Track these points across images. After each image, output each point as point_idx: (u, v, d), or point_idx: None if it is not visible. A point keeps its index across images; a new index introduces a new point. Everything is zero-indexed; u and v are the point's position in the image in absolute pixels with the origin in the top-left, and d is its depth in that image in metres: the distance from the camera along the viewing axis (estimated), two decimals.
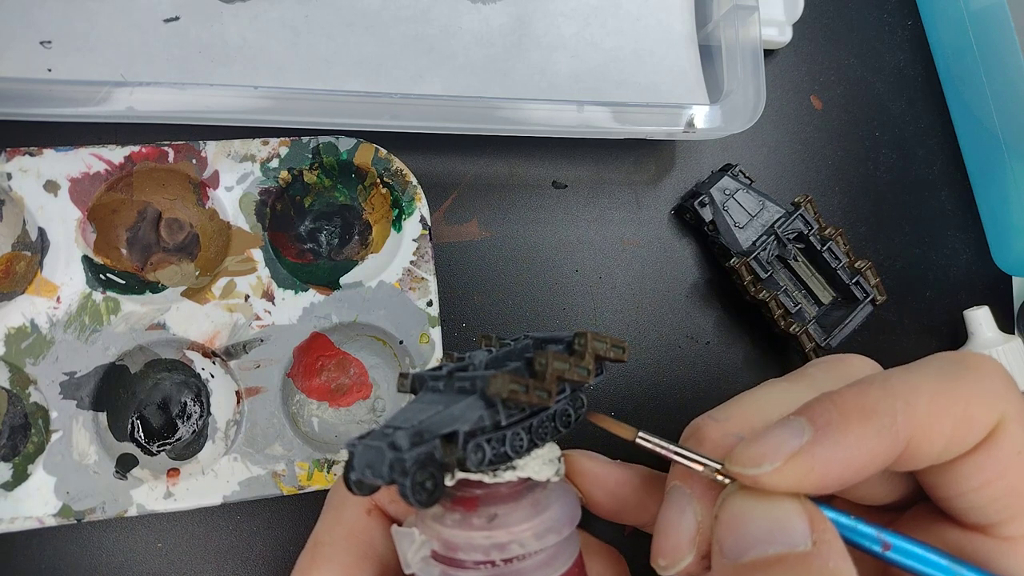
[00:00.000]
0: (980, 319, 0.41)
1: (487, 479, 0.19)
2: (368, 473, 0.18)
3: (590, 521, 0.23)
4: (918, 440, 0.18)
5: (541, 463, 0.20)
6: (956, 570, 0.19)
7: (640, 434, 0.20)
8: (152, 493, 0.31)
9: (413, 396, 0.21)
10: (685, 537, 0.19)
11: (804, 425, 0.18)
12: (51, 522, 0.30)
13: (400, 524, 0.21)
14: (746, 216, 0.38)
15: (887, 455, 0.18)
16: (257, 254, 0.33)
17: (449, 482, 0.19)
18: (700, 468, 0.19)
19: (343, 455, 0.33)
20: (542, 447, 0.20)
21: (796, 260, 0.38)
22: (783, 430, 0.18)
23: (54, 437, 0.31)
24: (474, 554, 0.19)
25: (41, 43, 0.32)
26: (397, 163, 0.34)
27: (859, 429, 0.18)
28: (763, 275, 0.37)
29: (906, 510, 0.22)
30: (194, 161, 0.33)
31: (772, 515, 0.18)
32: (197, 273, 0.34)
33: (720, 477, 0.19)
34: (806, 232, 0.38)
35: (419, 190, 0.35)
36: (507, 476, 0.20)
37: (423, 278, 0.34)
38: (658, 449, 0.20)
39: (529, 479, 0.20)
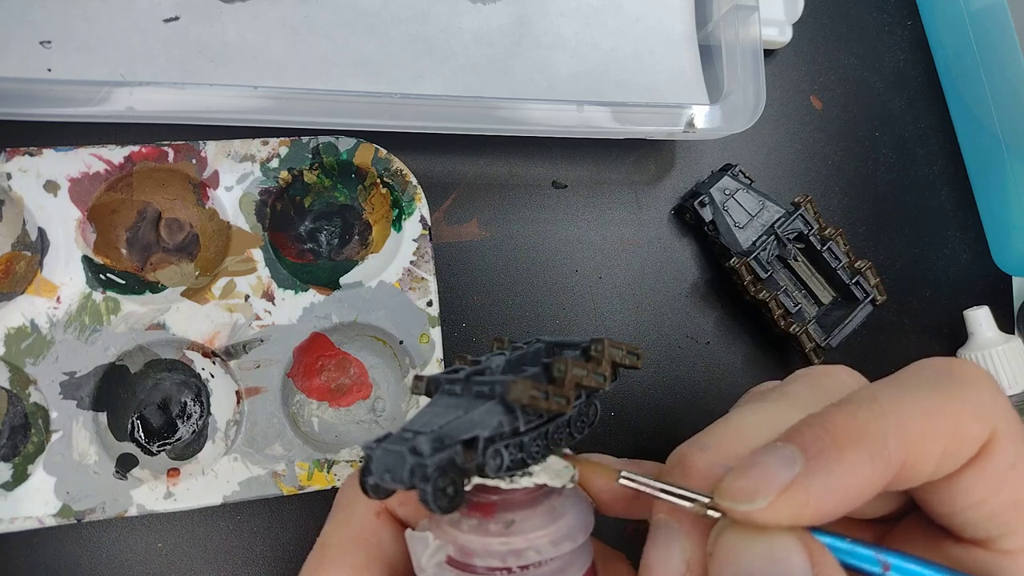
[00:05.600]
0: (980, 319, 0.41)
1: (504, 485, 0.19)
2: (387, 477, 0.18)
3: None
4: (911, 461, 0.18)
5: (556, 469, 0.20)
6: None
7: (623, 474, 0.19)
8: (152, 493, 0.31)
9: (427, 398, 0.21)
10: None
11: (796, 454, 0.17)
12: (51, 522, 0.30)
13: (409, 527, 0.21)
14: (746, 216, 0.38)
15: (881, 481, 0.17)
16: (257, 254, 0.33)
17: (466, 488, 0.19)
18: (688, 504, 0.18)
19: (344, 455, 0.33)
20: (557, 453, 0.20)
21: (796, 260, 0.38)
22: (772, 459, 0.17)
23: (54, 437, 0.31)
24: (490, 560, 0.19)
25: (41, 43, 0.32)
26: (397, 163, 0.34)
27: (852, 456, 0.17)
28: (763, 275, 0.37)
29: (900, 520, 0.22)
30: (194, 161, 0.33)
31: (770, 552, 0.17)
32: (197, 273, 0.34)
33: (710, 512, 0.18)
34: (806, 232, 0.38)
35: (419, 190, 0.35)
36: (524, 482, 0.19)
37: (423, 278, 0.34)
38: (643, 488, 0.19)
39: (545, 485, 0.20)
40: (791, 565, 0.17)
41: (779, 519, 0.17)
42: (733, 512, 0.18)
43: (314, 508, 0.35)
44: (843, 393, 0.19)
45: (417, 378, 0.21)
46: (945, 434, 0.18)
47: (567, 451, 0.21)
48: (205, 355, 0.33)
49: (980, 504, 0.19)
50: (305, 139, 0.34)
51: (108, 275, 0.33)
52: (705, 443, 0.20)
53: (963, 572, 0.18)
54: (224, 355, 0.33)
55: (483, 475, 0.18)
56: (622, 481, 0.19)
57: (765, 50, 0.41)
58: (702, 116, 0.35)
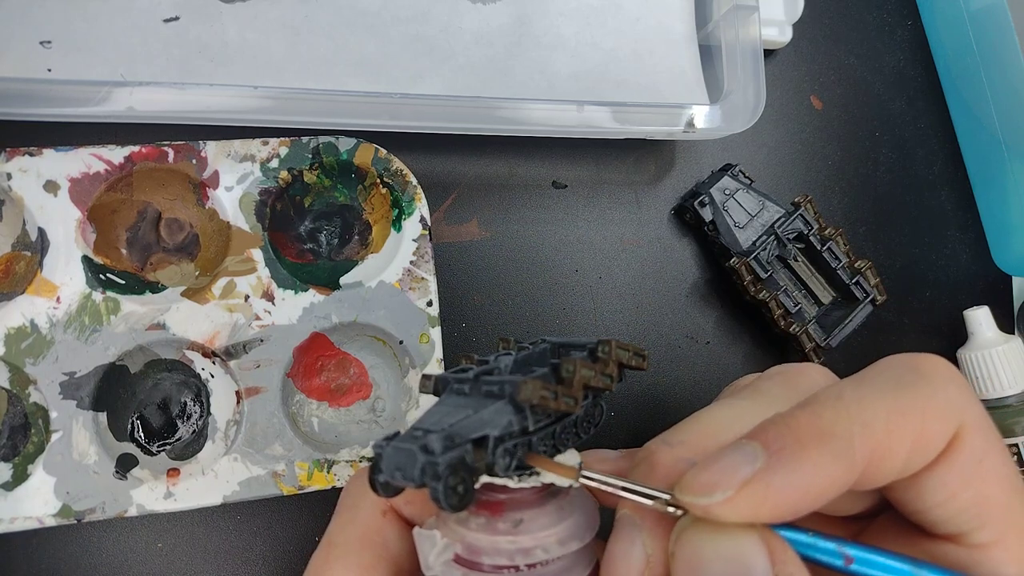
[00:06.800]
0: (980, 319, 0.41)
1: (512, 484, 0.19)
2: (398, 475, 0.18)
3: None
4: (877, 460, 0.18)
5: None
6: (918, 574, 0.18)
7: (583, 473, 0.19)
8: (152, 493, 0.31)
9: (433, 397, 0.21)
10: (633, 571, 0.18)
11: (757, 450, 0.17)
12: (51, 522, 0.30)
13: (415, 525, 0.21)
14: (746, 216, 0.38)
15: (845, 479, 0.17)
16: (257, 254, 0.33)
17: (475, 486, 0.19)
18: (649, 502, 0.18)
19: (343, 455, 0.33)
20: (564, 453, 0.21)
21: (796, 260, 0.38)
22: (734, 455, 0.17)
23: (54, 437, 0.31)
24: (498, 559, 0.19)
25: (41, 43, 0.32)
26: (397, 163, 0.34)
27: (815, 455, 0.17)
28: (763, 275, 0.37)
29: (875, 518, 0.22)
30: (194, 161, 0.33)
31: (730, 550, 0.17)
32: (197, 273, 0.34)
33: (671, 509, 0.18)
34: (806, 232, 0.38)
35: (419, 190, 0.35)
36: (531, 481, 0.19)
37: (423, 278, 0.34)
38: (603, 486, 0.19)
39: (552, 484, 0.20)
40: (751, 563, 0.17)
41: (738, 514, 0.17)
42: (692, 507, 0.17)
43: (314, 508, 0.35)
44: (814, 392, 0.19)
45: (425, 377, 0.21)
46: (911, 431, 0.18)
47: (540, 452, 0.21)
48: (205, 355, 0.33)
49: (950, 500, 0.19)
50: (305, 139, 0.34)
51: (108, 275, 0.33)
52: (672, 439, 0.20)
53: (927, 562, 0.18)
54: (224, 355, 0.33)
55: (492, 474, 0.19)
56: (582, 480, 0.19)
57: (765, 50, 0.41)
58: (702, 116, 0.35)
